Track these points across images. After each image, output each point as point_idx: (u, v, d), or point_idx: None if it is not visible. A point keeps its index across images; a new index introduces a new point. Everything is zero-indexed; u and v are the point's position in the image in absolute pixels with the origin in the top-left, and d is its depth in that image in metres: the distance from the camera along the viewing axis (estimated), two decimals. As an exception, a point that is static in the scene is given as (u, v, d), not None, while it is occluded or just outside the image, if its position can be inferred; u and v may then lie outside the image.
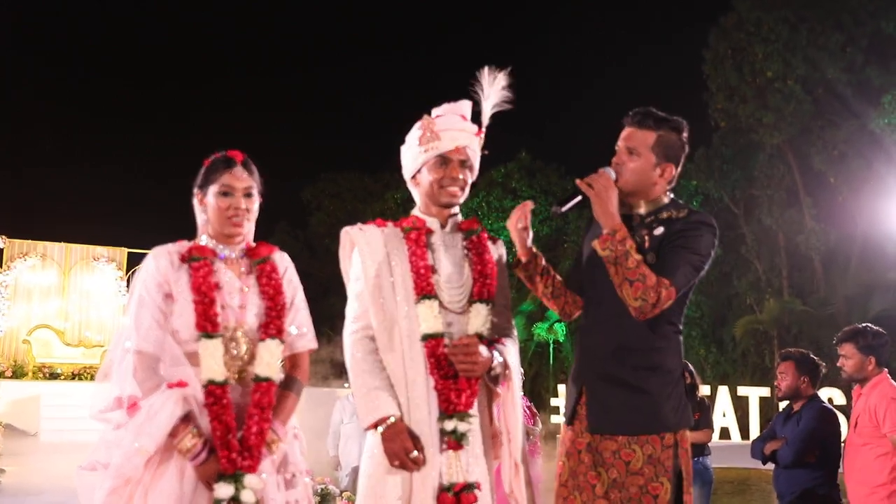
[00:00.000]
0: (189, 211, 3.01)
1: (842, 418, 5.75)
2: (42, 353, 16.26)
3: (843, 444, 5.06)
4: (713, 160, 27.02)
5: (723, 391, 18.16)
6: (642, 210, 2.98)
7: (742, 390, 19.55)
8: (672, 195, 3.03)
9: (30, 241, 17.21)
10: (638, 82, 38.69)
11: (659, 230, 2.89)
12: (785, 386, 5.19)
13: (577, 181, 2.88)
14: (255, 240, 3.03)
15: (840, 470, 4.94)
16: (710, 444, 6.98)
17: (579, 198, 2.90)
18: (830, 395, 17.26)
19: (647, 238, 2.89)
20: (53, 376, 15.52)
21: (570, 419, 2.94)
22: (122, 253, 17.79)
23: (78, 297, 17.17)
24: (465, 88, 3.06)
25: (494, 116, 3.07)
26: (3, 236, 16.68)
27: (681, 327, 2.98)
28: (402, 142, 3.05)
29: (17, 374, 15.48)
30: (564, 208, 2.96)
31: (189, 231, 3.02)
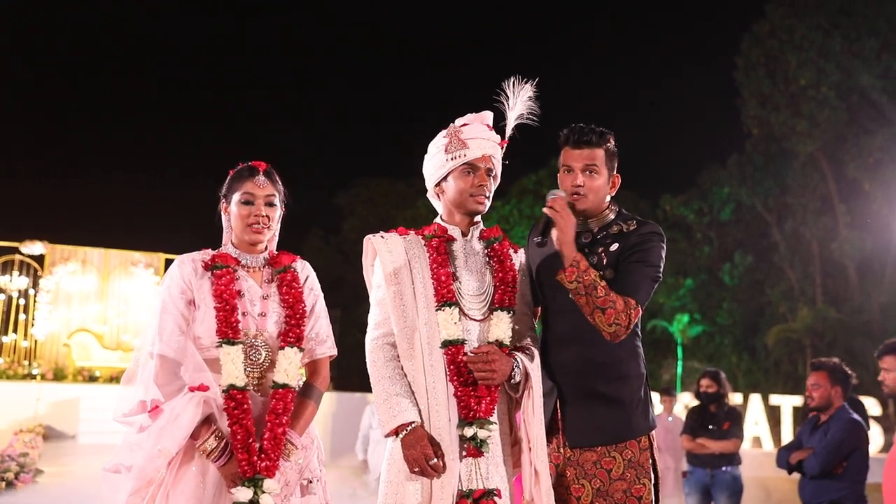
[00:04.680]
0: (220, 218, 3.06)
1: (877, 428, 5.67)
2: (81, 357, 16.39)
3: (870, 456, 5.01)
4: (745, 167, 26.83)
5: (755, 399, 17.95)
6: (594, 227, 3.02)
7: (774, 399, 19.32)
8: (613, 204, 3.07)
9: (70, 247, 17.30)
10: (669, 89, 38.50)
11: (614, 246, 2.94)
12: (818, 396, 5.16)
13: (546, 210, 2.90)
14: (289, 246, 3.07)
15: (871, 482, 4.88)
16: (740, 453, 6.93)
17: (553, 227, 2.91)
18: (866, 404, 16.95)
19: (603, 255, 2.94)
20: (92, 379, 15.67)
21: (547, 435, 2.95)
22: (159, 258, 17.91)
23: (116, 302, 17.27)
24: (493, 98, 3.09)
25: (526, 122, 3.11)
26: (45, 242, 16.92)
27: (639, 332, 3.03)
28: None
29: (58, 376, 15.67)
30: (546, 238, 2.95)
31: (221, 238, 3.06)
